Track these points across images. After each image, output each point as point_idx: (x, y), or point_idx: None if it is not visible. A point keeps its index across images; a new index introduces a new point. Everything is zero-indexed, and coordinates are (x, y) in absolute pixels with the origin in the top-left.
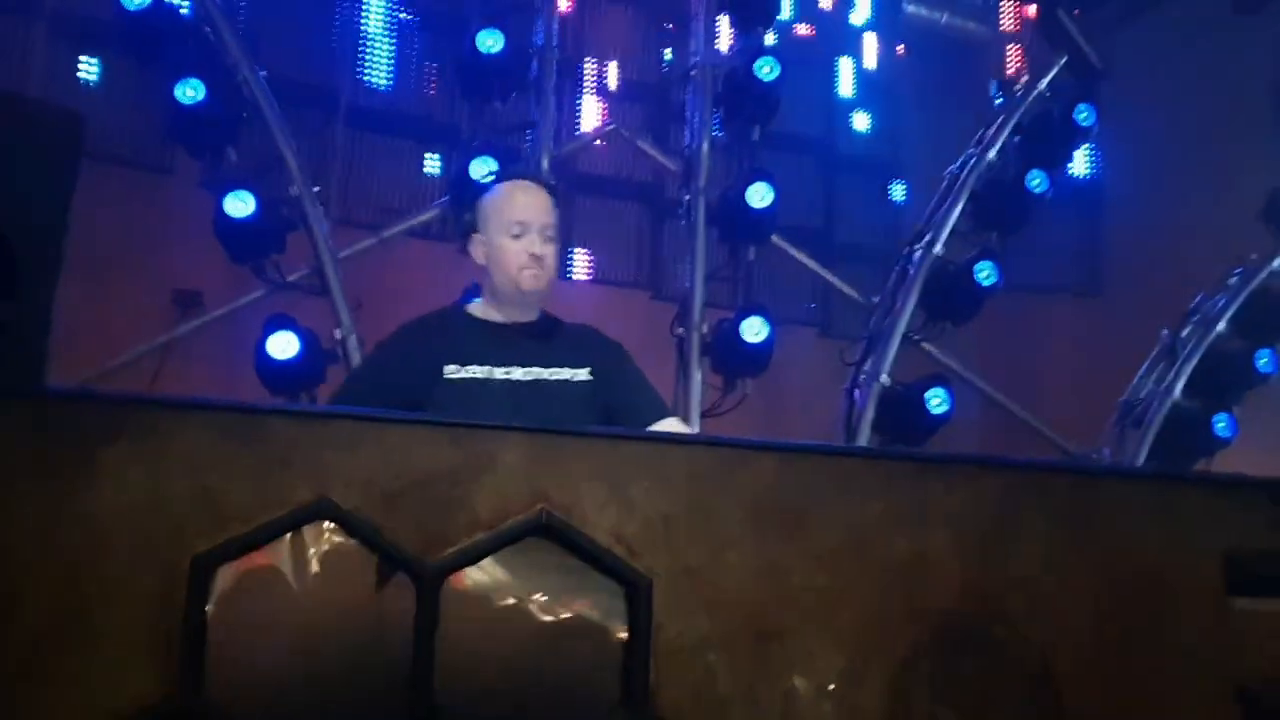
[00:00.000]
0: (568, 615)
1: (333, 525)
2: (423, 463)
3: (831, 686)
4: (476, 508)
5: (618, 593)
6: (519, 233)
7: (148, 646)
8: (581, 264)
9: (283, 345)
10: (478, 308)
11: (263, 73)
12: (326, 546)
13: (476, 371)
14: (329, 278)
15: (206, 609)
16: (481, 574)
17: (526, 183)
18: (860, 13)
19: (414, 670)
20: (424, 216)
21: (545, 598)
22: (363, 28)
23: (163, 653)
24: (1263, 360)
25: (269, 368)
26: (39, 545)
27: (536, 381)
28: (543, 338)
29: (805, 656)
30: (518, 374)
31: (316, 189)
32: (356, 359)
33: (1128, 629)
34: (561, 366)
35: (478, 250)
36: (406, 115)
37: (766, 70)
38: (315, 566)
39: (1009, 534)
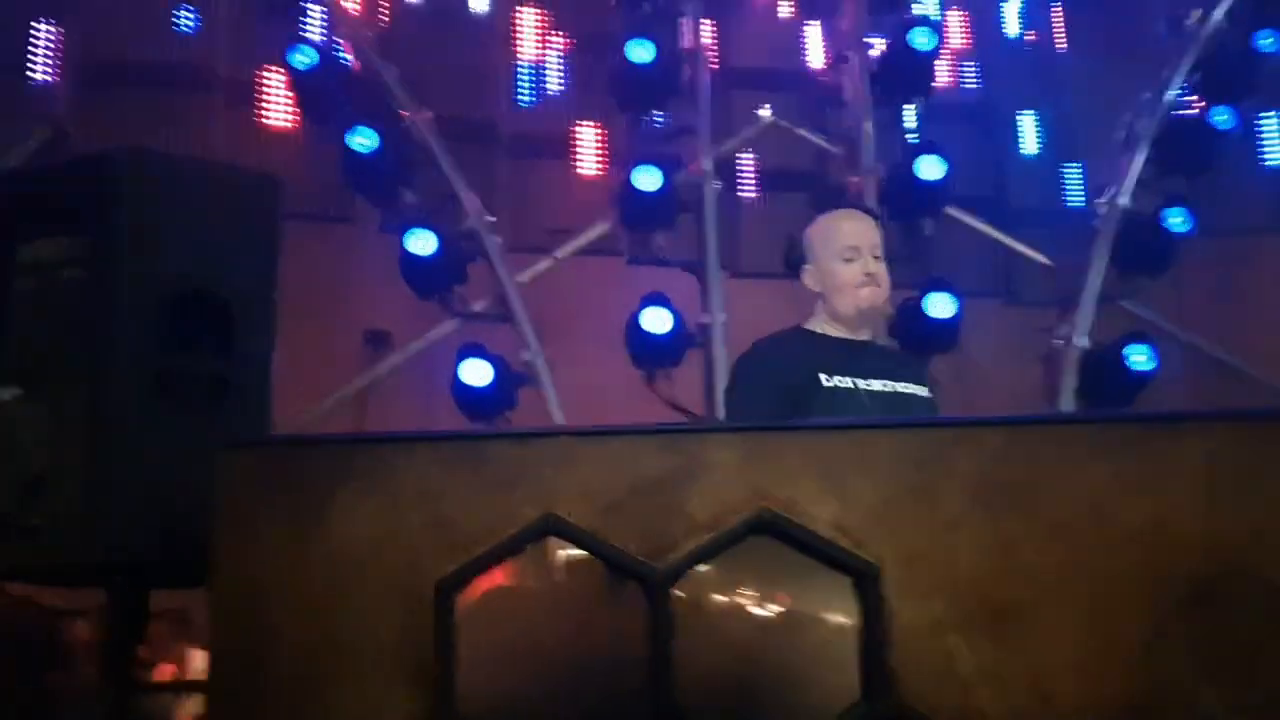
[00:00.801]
0: (797, 609)
1: (560, 540)
2: (638, 471)
3: (1079, 661)
4: (694, 511)
5: (845, 584)
6: (851, 257)
7: (400, 673)
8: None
9: (477, 372)
10: (820, 325)
11: (429, 114)
12: (556, 561)
13: (843, 382)
14: (512, 303)
15: (453, 631)
16: (705, 575)
17: (850, 210)
18: None
19: (652, 676)
20: (593, 233)
21: (772, 593)
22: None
23: (415, 677)
24: None
25: (466, 395)
26: (289, 584)
27: (894, 394)
28: (885, 355)
29: (1047, 632)
30: (876, 385)
31: (491, 220)
32: (546, 380)
33: None
34: (909, 382)
35: (811, 279)
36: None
37: (923, 40)
38: (547, 581)
39: (1246, 487)
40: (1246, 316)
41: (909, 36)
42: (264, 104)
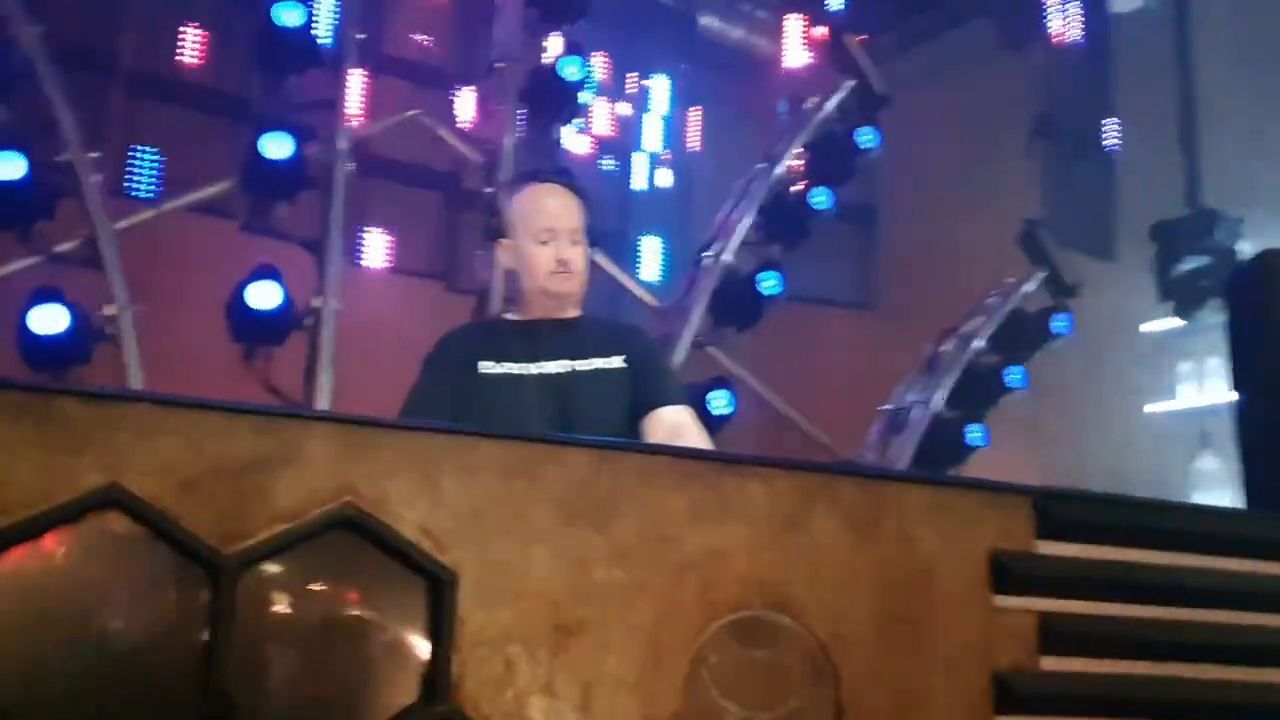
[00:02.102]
0: (371, 610)
1: (123, 514)
2: (223, 451)
3: (630, 679)
4: (278, 499)
5: (423, 587)
6: (546, 239)
7: None
8: (377, 251)
9: (49, 319)
10: (513, 311)
11: (38, 28)
12: (116, 535)
13: (511, 367)
14: (104, 250)
15: None
16: (281, 567)
17: (553, 186)
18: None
19: (208, 667)
20: (209, 190)
21: (348, 592)
22: None
23: None
24: (1013, 376)
25: (32, 343)
26: None
27: (571, 373)
28: (576, 332)
29: (606, 649)
30: (550, 367)
31: (94, 155)
32: (130, 339)
33: (902, 621)
34: (593, 357)
35: (506, 255)
36: (195, 85)
37: (571, 70)
38: (102, 556)
39: (797, 531)
40: (814, 377)
41: (558, 65)
42: None
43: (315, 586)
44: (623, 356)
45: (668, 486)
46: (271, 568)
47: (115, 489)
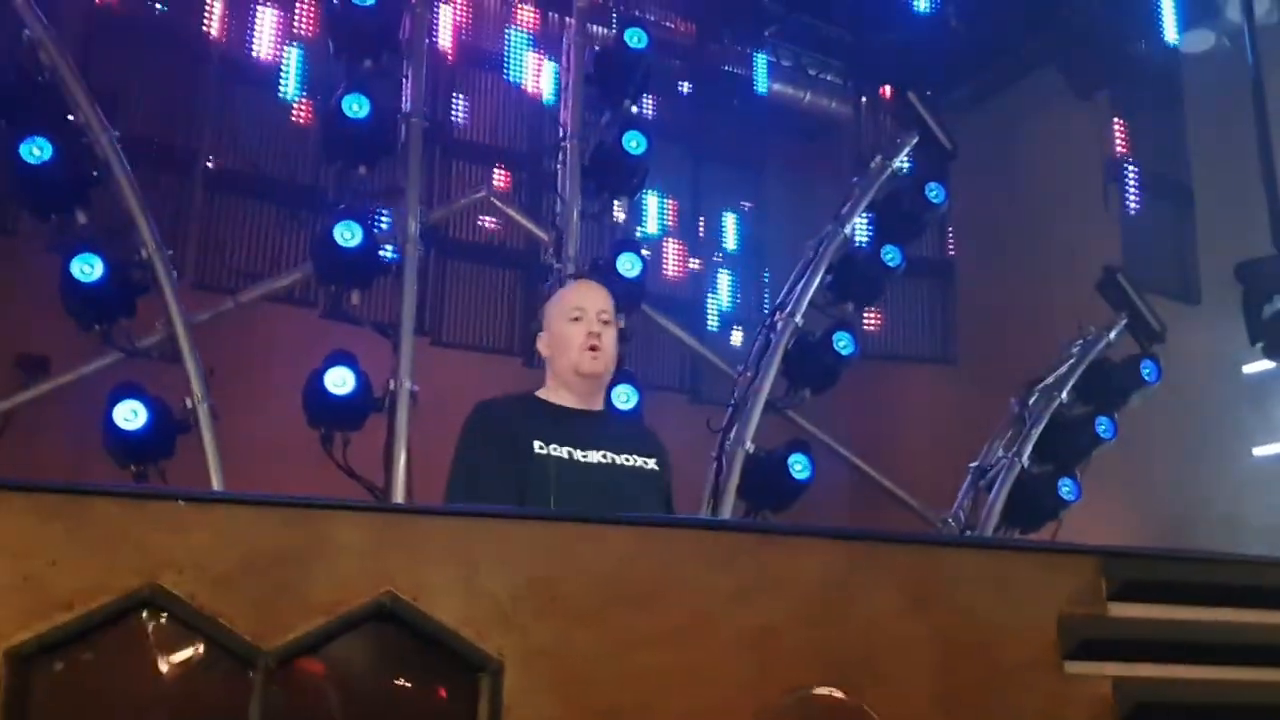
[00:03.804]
0: (413, 700)
1: (163, 612)
2: (255, 544)
3: None
4: (313, 591)
5: (468, 676)
6: (578, 316)
7: None
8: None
9: (129, 415)
10: (547, 393)
11: (115, 133)
12: (156, 635)
13: (560, 451)
14: (181, 343)
15: (25, 706)
16: (322, 660)
17: (583, 279)
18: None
19: None
20: (284, 281)
21: (389, 682)
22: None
23: None
24: (1102, 426)
25: (117, 438)
26: None
27: (614, 465)
28: (611, 426)
29: None
30: (594, 457)
31: (170, 252)
32: (207, 430)
33: (966, 694)
34: (633, 454)
35: (543, 344)
36: (267, 178)
37: (634, 144)
38: (145, 656)
39: (851, 603)
40: (896, 437)
41: (622, 139)
42: None
43: (355, 677)
44: (655, 460)
45: (712, 563)
46: (313, 660)
47: (153, 590)
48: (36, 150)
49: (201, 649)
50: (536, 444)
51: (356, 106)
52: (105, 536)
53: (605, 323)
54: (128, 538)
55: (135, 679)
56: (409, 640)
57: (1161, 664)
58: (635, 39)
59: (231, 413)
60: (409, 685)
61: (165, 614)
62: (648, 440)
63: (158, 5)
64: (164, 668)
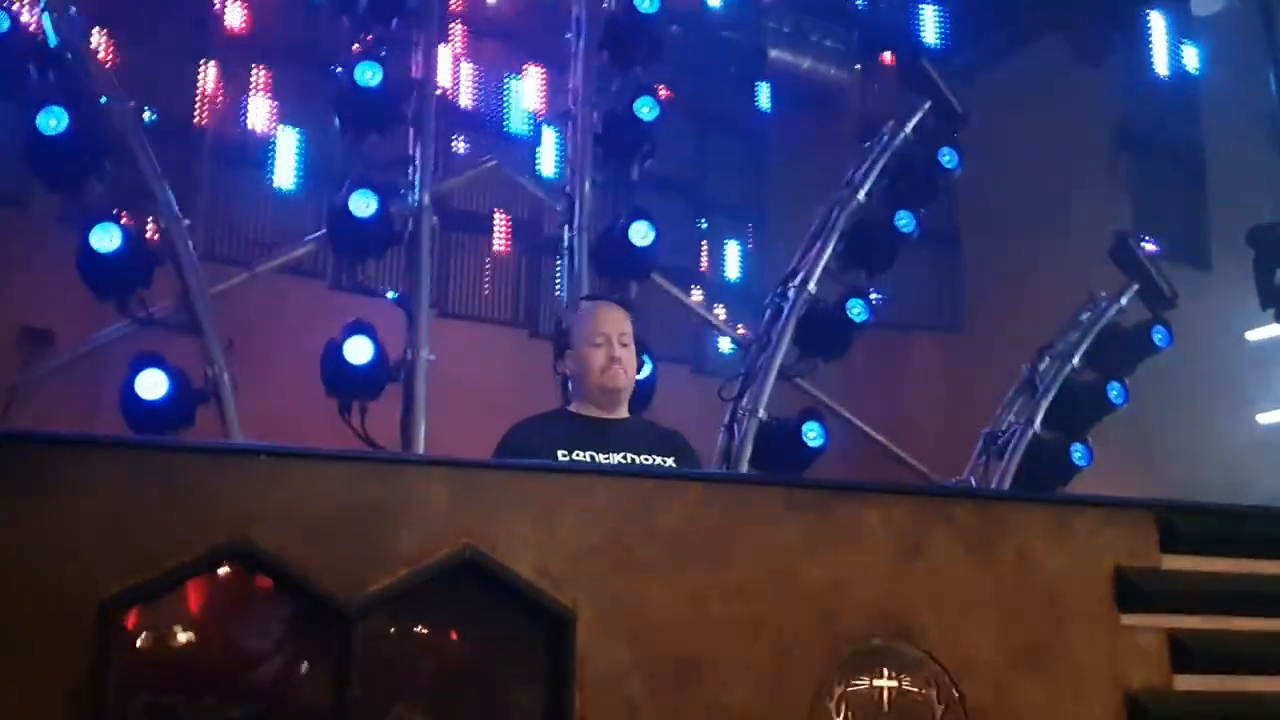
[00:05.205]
0: (491, 650)
1: (252, 565)
2: (344, 498)
3: (754, 714)
4: (398, 543)
5: (544, 626)
6: (601, 342)
7: (50, 698)
8: (461, 300)
9: (152, 385)
10: (577, 406)
11: (130, 103)
12: (245, 587)
13: (581, 455)
14: (199, 314)
15: (114, 656)
16: (405, 609)
17: (603, 303)
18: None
19: (335, 712)
20: (299, 252)
21: (469, 632)
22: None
23: (67, 704)
24: (1114, 392)
25: (136, 408)
26: None
27: (632, 464)
28: (633, 430)
29: (725, 684)
30: (615, 458)
31: (186, 223)
32: (231, 399)
33: (1028, 644)
34: (652, 453)
35: (569, 364)
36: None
37: (646, 110)
38: (233, 609)
39: (916, 557)
40: (904, 403)
41: (634, 105)
42: None
43: (437, 627)
44: (673, 459)
45: (781, 518)
46: (394, 611)
47: (242, 543)
48: (53, 121)
49: (289, 601)
50: (560, 452)
51: (370, 75)
52: (194, 491)
53: (625, 345)
54: (216, 492)
55: (224, 631)
56: (488, 592)
57: (1214, 616)
58: (646, 4)
59: (244, 382)
60: (488, 635)
61: (254, 566)
62: (668, 441)
63: None
64: (252, 620)
